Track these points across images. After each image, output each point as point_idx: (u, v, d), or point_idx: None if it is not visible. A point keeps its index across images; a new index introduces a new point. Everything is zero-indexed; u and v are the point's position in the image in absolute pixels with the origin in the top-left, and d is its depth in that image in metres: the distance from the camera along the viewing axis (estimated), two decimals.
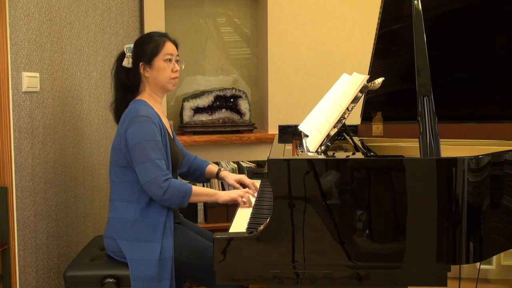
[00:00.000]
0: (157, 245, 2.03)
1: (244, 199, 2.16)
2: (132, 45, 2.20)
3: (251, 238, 1.70)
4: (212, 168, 2.48)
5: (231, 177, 2.43)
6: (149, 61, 2.15)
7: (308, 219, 1.67)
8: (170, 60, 2.17)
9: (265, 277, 1.72)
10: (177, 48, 2.22)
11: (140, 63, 2.15)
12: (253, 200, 2.24)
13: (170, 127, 2.34)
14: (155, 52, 2.15)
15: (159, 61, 2.15)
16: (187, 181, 3.09)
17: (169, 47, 2.18)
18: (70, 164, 2.60)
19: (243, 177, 2.43)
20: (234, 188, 2.40)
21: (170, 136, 2.22)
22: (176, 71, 2.20)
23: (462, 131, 2.46)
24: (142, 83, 2.20)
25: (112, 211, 2.14)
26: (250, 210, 2.12)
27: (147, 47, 2.15)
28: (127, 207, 2.09)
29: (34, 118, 2.30)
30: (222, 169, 2.48)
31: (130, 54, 2.18)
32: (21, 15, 2.20)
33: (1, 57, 2.08)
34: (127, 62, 2.18)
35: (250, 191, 2.25)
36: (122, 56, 2.22)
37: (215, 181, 3.25)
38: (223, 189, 3.27)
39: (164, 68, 2.16)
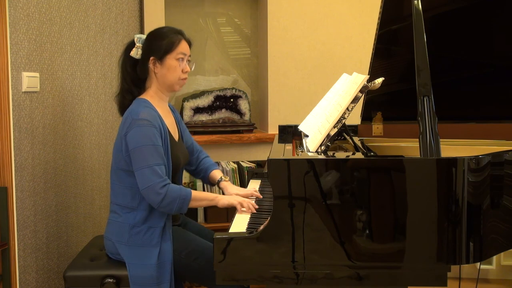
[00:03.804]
0: (155, 249, 2.00)
1: (243, 208, 2.07)
2: (143, 36, 2.13)
3: (251, 238, 1.70)
4: (215, 175, 2.37)
5: (232, 191, 2.27)
6: (161, 58, 2.08)
7: (308, 219, 1.67)
8: (182, 59, 2.11)
9: (265, 277, 1.72)
10: (190, 47, 2.16)
11: (151, 58, 2.08)
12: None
13: (178, 123, 2.27)
14: (169, 49, 2.08)
15: (171, 59, 2.09)
16: (190, 183, 3.08)
17: (183, 46, 2.11)
18: (70, 164, 2.60)
19: (246, 193, 2.25)
20: None
21: (173, 138, 2.15)
22: (186, 72, 2.13)
23: (462, 131, 2.46)
24: (150, 78, 2.13)
25: (112, 213, 2.12)
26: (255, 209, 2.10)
27: (161, 42, 2.08)
28: (128, 213, 2.06)
29: (34, 118, 2.30)
30: (223, 179, 2.35)
31: (141, 45, 2.11)
32: (21, 15, 2.20)
33: (1, 57, 2.08)
34: (135, 53, 2.11)
35: (251, 201, 2.10)
36: (131, 45, 2.14)
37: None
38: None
39: (175, 67, 2.09)
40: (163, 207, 1.97)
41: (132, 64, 2.14)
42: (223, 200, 2.09)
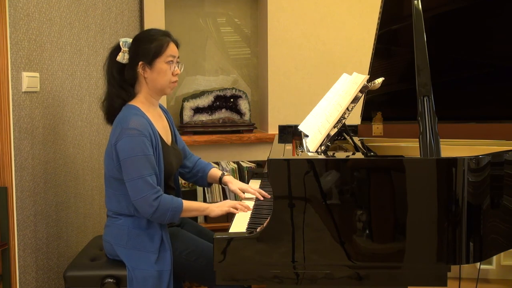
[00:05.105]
0: (153, 255, 1.99)
1: (237, 210, 2.07)
2: (129, 40, 2.09)
3: (251, 238, 1.70)
4: (215, 172, 2.37)
5: (236, 184, 2.32)
6: (150, 62, 2.04)
7: (308, 219, 1.67)
8: (171, 62, 2.07)
9: (265, 277, 1.72)
10: (178, 48, 2.12)
11: (140, 63, 2.04)
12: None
13: (171, 128, 2.26)
14: (158, 53, 2.04)
15: (160, 63, 2.05)
16: (184, 187, 3.07)
17: (172, 48, 2.07)
18: (70, 164, 2.60)
19: (248, 187, 2.31)
20: (235, 195, 2.31)
21: (165, 143, 2.12)
22: (177, 74, 2.10)
23: (462, 131, 2.46)
24: (139, 83, 2.09)
25: (109, 217, 2.11)
26: (249, 210, 2.11)
27: (149, 46, 2.04)
28: (126, 217, 2.05)
29: (34, 118, 2.30)
30: (225, 174, 2.37)
31: (127, 49, 2.07)
32: (21, 15, 2.20)
33: (1, 57, 2.08)
34: (122, 57, 2.06)
35: (243, 204, 2.12)
36: (116, 50, 2.09)
37: (215, 187, 3.25)
38: (224, 195, 3.27)
39: (165, 71, 2.06)
40: (155, 218, 1.98)
41: (118, 68, 2.09)
42: (215, 212, 2.07)
